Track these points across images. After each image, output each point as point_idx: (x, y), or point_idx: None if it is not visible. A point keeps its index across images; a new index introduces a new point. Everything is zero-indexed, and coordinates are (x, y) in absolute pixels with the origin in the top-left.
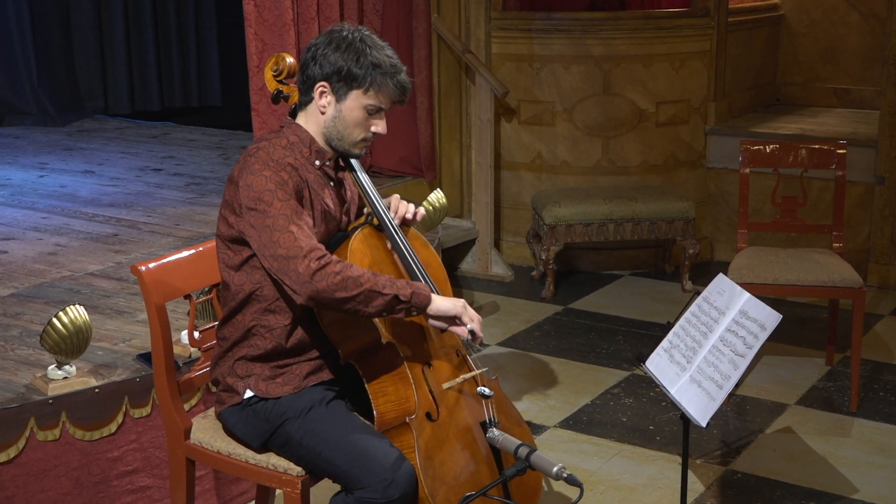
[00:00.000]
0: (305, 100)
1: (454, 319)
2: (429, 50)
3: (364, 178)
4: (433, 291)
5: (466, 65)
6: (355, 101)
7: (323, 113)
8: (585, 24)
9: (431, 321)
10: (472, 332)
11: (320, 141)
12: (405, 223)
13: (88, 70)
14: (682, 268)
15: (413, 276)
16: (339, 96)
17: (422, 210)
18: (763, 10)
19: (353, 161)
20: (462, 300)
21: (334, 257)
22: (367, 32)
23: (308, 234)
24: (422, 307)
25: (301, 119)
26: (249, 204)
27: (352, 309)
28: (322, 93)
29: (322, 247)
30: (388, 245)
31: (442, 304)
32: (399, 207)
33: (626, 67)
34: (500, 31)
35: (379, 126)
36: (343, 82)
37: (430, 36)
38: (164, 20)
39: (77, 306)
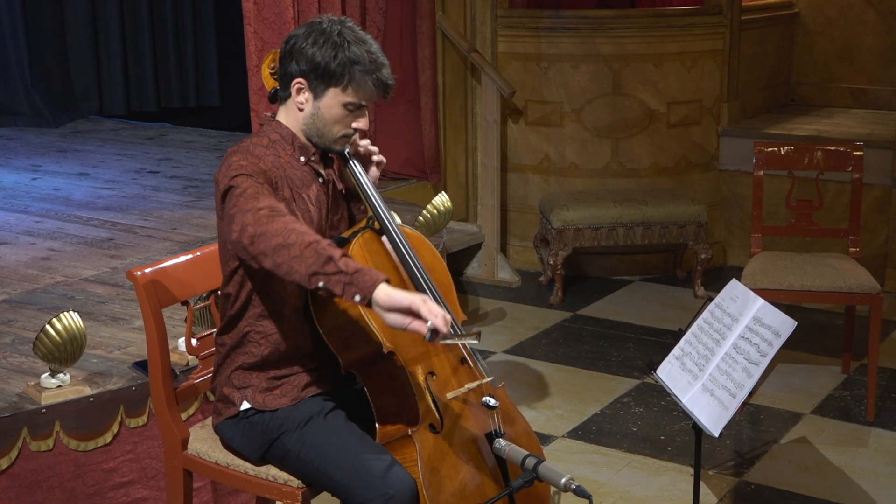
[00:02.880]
0: (284, 95)
1: (412, 314)
2: (433, 49)
3: (365, 179)
4: (436, 298)
5: (472, 64)
6: (333, 99)
7: (301, 110)
8: (594, 22)
9: (388, 316)
10: (432, 329)
11: (302, 137)
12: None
13: (83, 69)
14: (694, 273)
15: (416, 282)
16: (317, 93)
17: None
18: (777, 8)
19: (353, 161)
20: (421, 295)
21: (286, 215)
22: (349, 24)
23: (267, 201)
24: (365, 288)
25: (281, 114)
26: (227, 183)
27: (285, 263)
28: (299, 89)
29: (269, 209)
30: (391, 250)
31: (396, 294)
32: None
33: (637, 67)
34: (507, 30)
35: (360, 122)
36: (320, 79)
37: (435, 34)
38: (161, 18)
39: (71, 313)
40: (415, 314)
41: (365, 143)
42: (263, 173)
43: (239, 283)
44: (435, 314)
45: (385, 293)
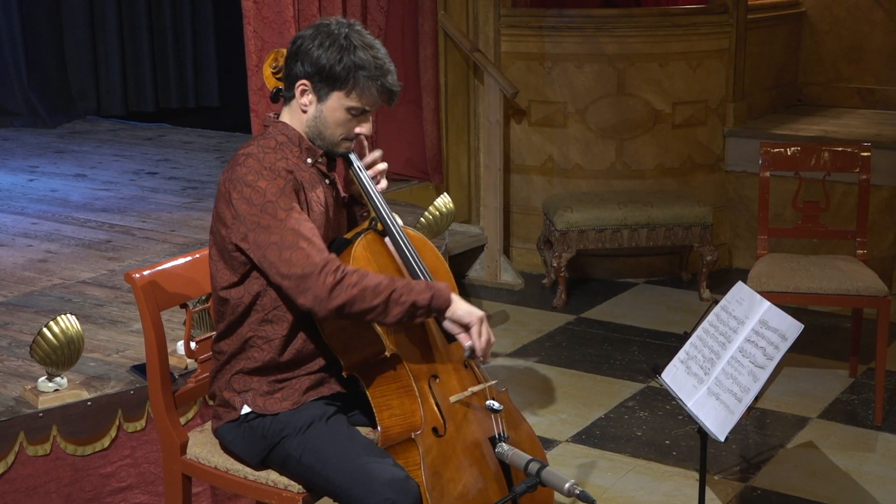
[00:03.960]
0: (289, 95)
1: (466, 328)
2: (435, 48)
3: (367, 180)
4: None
5: (475, 64)
6: (337, 103)
7: (304, 111)
8: (599, 21)
9: (446, 324)
10: (471, 348)
11: (307, 138)
12: (372, 167)
13: (80, 69)
14: (700, 275)
15: None
16: (321, 96)
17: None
18: (784, 7)
19: (355, 163)
20: (482, 313)
21: (350, 267)
22: (357, 28)
23: (319, 247)
24: (441, 310)
25: (286, 115)
26: (250, 220)
27: (372, 319)
28: (303, 91)
29: (334, 256)
30: (393, 251)
31: (460, 308)
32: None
33: (642, 66)
34: (510, 29)
35: (363, 127)
36: (324, 82)
37: (437, 34)
38: (160, 17)
39: (68, 316)
40: (466, 327)
41: (375, 156)
42: (283, 190)
43: (241, 288)
44: (482, 335)
45: (453, 310)
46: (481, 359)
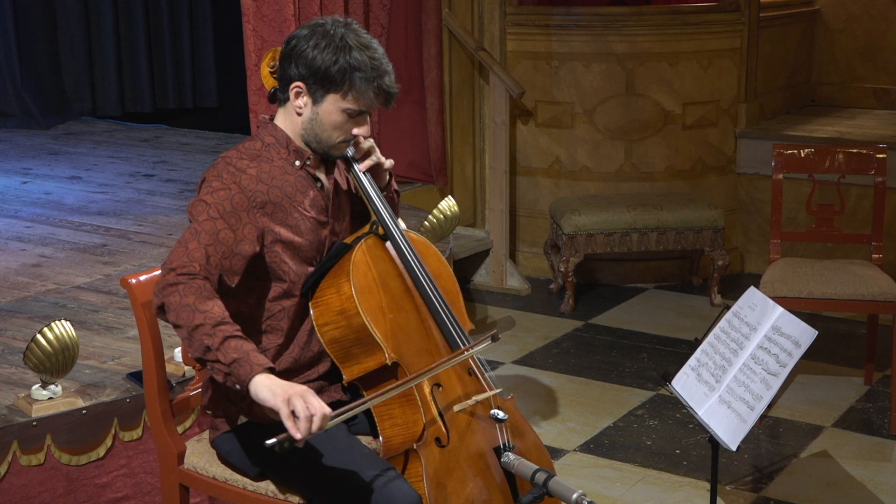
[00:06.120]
0: (283, 97)
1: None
2: (439, 47)
3: (368, 183)
4: (442, 306)
5: (480, 63)
6: (333, 105)
7: (299, 114)
8: (607, 19)
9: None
10: (278, 441)
11: (298, 141)
12: (374, 169)
13: (75, 69)
14: (711, 280)
15: (421, 290)
16: (316, 98)
17: (389, 162)
18: (797, 5)
19: (355, 166)
20: (297, 389)
21: (199, 282)
22: (354, 27)
23: (200, 255)
24: (241, 381)
25: (280, 117)
26: (188, 210)
27: (183, 337)
28: (298, 93)
29: (198, 269)
30: (395, 256)
31: (261, 391)
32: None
33: (651, 66)
34: (516, 28)
35: (361, 129)
36: (319, 85)
37: (441, 32)
38: (157, 14)
39: (63, 322)
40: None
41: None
42: (230, 198)
43: (237, 299)
44: (299, 415)
45: (254, 390)
46: (299, 446)
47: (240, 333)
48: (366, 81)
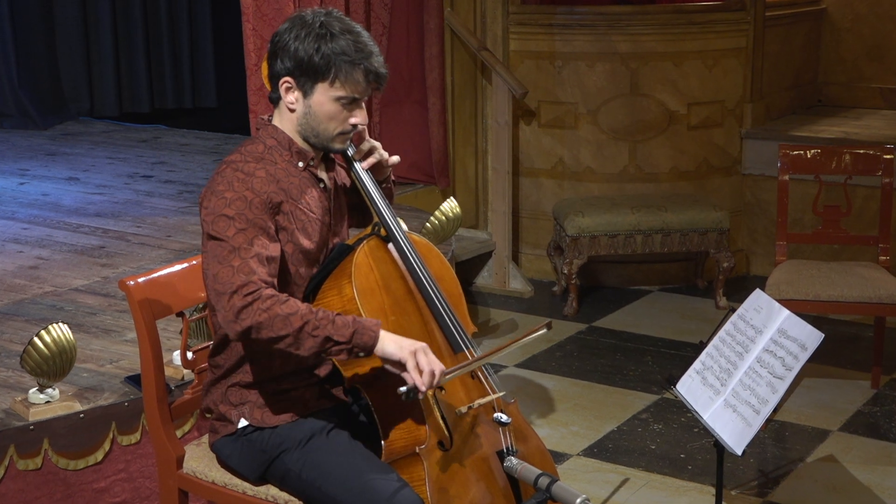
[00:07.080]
0: (275, 96)
1: (402, 366)
2: (441, 47)
3: (369, 184)
4: (445, 309)
5: (482, 63)
6: (323, 95)
7: (292, 110)
8: (611, 18)
9: (386, 365)
10: (405, 391)
11: (299, 140)
12: (375, 168)
13: (73, 69)
14: (716, 283)
15: (423, 292)
16: (306, 91)
17: (394, 159)
18: (803, 4)
19: (356, 164)
20: (419, 345)
21: (268, 292)
22: (335, 14)
23: (250, 269)
24: (366, 348)
25: (276, 117)
26: (207, 230)
27: (285, 348)
28: (287, 88)
29: (258, 281)
30: (397, 258)
31: (389, 345)
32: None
33: (655, 66)
34: (519, 27)
35: (357, 117)
36: (306, 76)
37: (443, 32)
38: (155, 13)
39: (60, 325)
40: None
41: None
42: (249, 204)
43: None
44: (423, 369)
45: (381, 348)
46: (421, 397)
47: (331, 311)
48: (351, 65)
